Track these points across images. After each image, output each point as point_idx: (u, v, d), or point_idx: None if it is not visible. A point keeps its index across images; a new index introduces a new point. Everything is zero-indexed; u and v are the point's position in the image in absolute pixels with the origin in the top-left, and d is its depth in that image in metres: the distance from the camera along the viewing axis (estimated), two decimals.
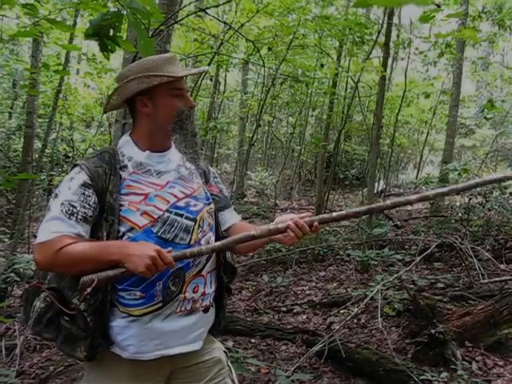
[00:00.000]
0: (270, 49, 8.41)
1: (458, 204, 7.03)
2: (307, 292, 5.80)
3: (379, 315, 4.04)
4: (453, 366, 3.73)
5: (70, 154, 12.88)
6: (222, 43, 6.34)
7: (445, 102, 12.34)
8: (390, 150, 11.85)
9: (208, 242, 1.92)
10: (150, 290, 1.78)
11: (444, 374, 3.65)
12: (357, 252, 5.64)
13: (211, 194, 2.03)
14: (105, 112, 2.04)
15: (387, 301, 4.74)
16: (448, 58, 11.46)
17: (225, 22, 6.09)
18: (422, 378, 3.55)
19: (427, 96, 12.24)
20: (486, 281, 5.16)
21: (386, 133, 13.98)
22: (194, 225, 1.88)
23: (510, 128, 10.28)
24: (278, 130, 16.59)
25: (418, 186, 9.08)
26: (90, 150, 12.49)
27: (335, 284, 5.96)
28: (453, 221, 7.05)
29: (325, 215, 1.88)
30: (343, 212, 1.87)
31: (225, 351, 2.13)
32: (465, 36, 6.92)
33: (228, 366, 2.10)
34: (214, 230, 2.00)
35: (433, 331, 3.92)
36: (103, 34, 2.23)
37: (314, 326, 4.74)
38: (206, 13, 4.35)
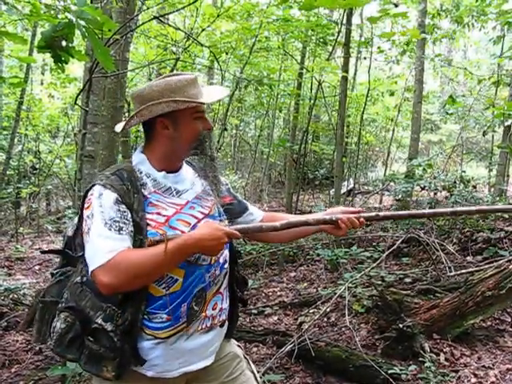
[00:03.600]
0: (226, 53, 8.40)
1: (423, 199, 7.14)
2: (278, 293, 5.83)
3: (346, 313, 4.08)
4: (421, 359, 3.80)
5: (38, 166, 12.71)
6: (184, 49, 6.33)
7: (409, 99, 12.49)
8: (357, 149, 11.96)
9: (225, 260, 1.96)
10: (176, 312, 1.80)
11: (412, 367, 3.72)
12: (326, 251, 5.69)
13: (226, 204, 2.04)
14: (123, 130, 1.98)
15: (356, 298, 4.80)
16: (410, 55, 11.64)
17: (179, 29, 6.09)
18: (390, 372, 3.60)
19: (392, 94, 12.40)
20: (452, 273, 5.25)
21: (352, 131, 14.14)
22: None
23: (471, 122, 10.49)
24: (245, 132, 16.63)
25: (384, 182, 9.20)
26: (57, 161, 12.37)
27: (306, 284, 6.01)
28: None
29: (371, 214, 2.04)
30: (388, 213, 2.09)
31: (238, 345, 2.19)
32: (411, 35, 7.02)
33: (245, 358, 2.16)
34: (228, 246, 2.01)
35: (401, 325, 3.99)
36: (56, 45, 2.21)
37: (285, 327, 4.77)
38: (161, 20, 4.34)
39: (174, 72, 1.96)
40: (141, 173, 1.86)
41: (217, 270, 1.91)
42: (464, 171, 7.20)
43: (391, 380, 3.52)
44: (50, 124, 13.58)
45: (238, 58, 9.79)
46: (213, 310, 1.90)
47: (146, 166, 1.88)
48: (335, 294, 4.55)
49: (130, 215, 1.75)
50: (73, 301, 1.79)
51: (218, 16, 7.50)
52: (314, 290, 5.69)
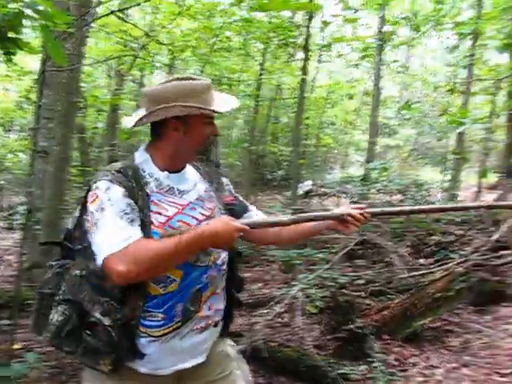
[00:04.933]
0: (182, 51, 8.36)
1: (378, 202, 7.25)
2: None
3: (298, 313, 4.12)
4: (371, 359, 3.85)
5: None
6: (142, 47, 6.26)
7: (368, 103, 12.70)
8: (315, 151, 12.08)
9: (223, 262, 1.96)
10: (171, 311, 1.81)
11: (362, 367, 3.78)
12: (280, 252, 5.70)
13: (227, 204, 2.04)
14: (134, 127, 1.93)
15: (310, 299, 4.83)
16: (368, 60, 11.81)
17: (135, 25, 6.04)
18: (341, 372, 3.65)
19: (351, 97, 12.57)
20: (405, 275, 5.36)
21: (311, 133, 14.24)
22: None
23: (426, 128, 10.72)
24: None
25: (340, 185, 9.28)
26: (11, 156, 12.07)
27: (260, 284, 6.02)
28: (375, 218, 7.24)
29: (376, 209, 2.15)
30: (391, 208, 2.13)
31: (231, 344, 2.21)
32: (361, 39, 7.15)
33: (237, 357, 2.18)
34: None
35: (352, 326, 4.04)
36: (3, 36, 2.16)
37: (239, 327, 4.76)
38: (117, 15, 4.29)
39: (189, 75, 1.95)
40: (144, 171, 1.86)
41: (214, 272, 1.92)
42: (418, 175, 7.35)
43: (341, 380, 3.57)
44: (3, 118, 13.25)
45: (199, 58, 9.76)
46: (208, 310, 1.91)
47: (150, 165, 1.88)
48: (288, 294, 4.57)
49: (137, 210, 1.75)
50: (71, 294, 1.80)
51: (179, 14, 7.46)
52: (268, 291, 5.70)
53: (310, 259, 5.96)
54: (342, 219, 1.99)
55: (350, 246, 5.51)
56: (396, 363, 3.96)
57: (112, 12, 3.57)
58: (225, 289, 2.03)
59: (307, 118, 13.59)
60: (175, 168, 1.91)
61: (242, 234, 1.81)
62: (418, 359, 4.05)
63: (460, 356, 4.14)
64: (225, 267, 1.99)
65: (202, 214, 1.91)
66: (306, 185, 12.87)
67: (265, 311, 4.77)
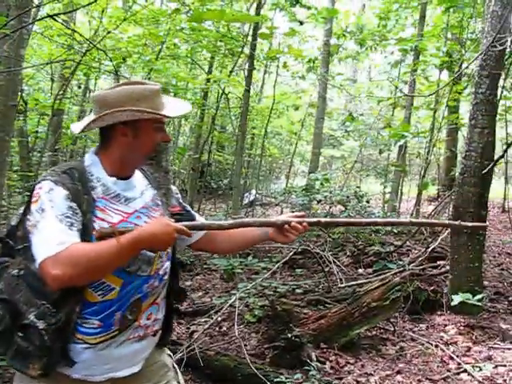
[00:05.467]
0: (124, 59, 8.27)
1: (320, 212, 7.36)
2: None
3: (235, 322, 4.12)
4: (307, 367, 3.89)
5: None
6: (83, 53, 6.15)
7: (313, 114, 12.87)
8: (260, 160, 12.15)
9: (165, 272, 1.94)
10: (109, 319, 1.77)
11: (298, 375, 3.81)
12: (222, 261, 5.71)
13: (174, 214, 1.99)
14: (81, 132, 1.89)
15: (249, 308, 4.85)
16: (315, 72, 11.99)
17: (74, 30, 5.94)
18: (277, 380, 3.66)
19: (296, 108, 12.71)
20: (343, 285, 5.45)
21: (257, 143, 14.32)
22: (155, 256, 1.86)
23: (368, 140, 10.99)
24: None
25: (283, 195, 9.39)
26: None
27: (201, 293, 6.00)
28: (316, 228, 7.34)
29: (313, 219, 2.18)
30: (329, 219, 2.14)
31: (169, 354, 2.15)
32: (295, 54, 7.27)
33: (174, 368, 2.12)
34: (170, 258, 1.99)
35: (289, 335, 4.07)
36: None
37: (177, 336, 4.73)
38: (54, 19, 4.21)
39: (140, 80, 1.95)
40: (92, 175, 1.81)
41: (156, 282, 1.89)
42: (358, 187, 7.50)
43: None
44: None
45: (145, 64, 9.67)
46: (147, 319, 1.89)
47: (98, 169, 1.84)
48: (228, 303, 4.58)
49: (80, 214, 1.71)
50: (6, 293, 1.74)
51: (125, 20, 7.38)
52: (209, 299, 5.69)
53: (251, 268, 6.00)
54: (280, 228, 2.00)
55: (289, 256, 5.57)
56: (332, 371, 4.01)
57: (51, 16, 3.49)
58: (165, 299, 2.01)
59: (254, 128, 13.68)
60: (123, 174, 1.88)
61: (182, 236, 1.82)
62: (354, 367, 4.12)
63: (394, 363, 4.23)
64: (166, 277, 1.98)
65: (147, 223, 1.87)
66: (251, 194, 12.95)
67: (203, 320, 4.75)
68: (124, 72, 11.59)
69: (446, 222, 2.14)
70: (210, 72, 10.69)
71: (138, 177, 1.96)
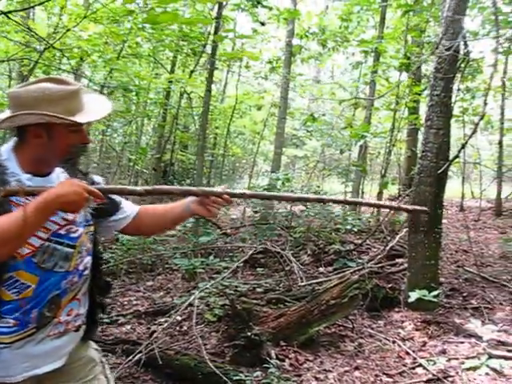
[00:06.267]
0: (81, 58, 8.18)
1: (281, 211, 7.43)
2: (134, 302, 5.76)
3: (194, 321, 4.14)
4: (267, 365, 3.93)
5: None
6: (41, 52, 6.04)
7: (276, 114, 12.93)
8: (222, 160, 12.17)
9: (86, 267, 1.91)
10: (25, 317, 1.73)
11: (257, 373, 3.84)
12: (184, 261, 5.72)
13: (99, 205, 1.91)
14: None
15: (209, 307, 4.87)
16: (277, 72, 12.07)
17: (29, 28, 5.85)
18: (236, 378, 3.70)
19: (259, 108, 12.76)
20: (303, 283, 5.51)
21: (220, 143, 14.33)
22: (74, 251, 1.83)
23: (329, 140, 11.12)
24: (112, 139, 16.26)
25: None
26: None
27: (162, 293, 5.99)
28: (278, 228, 7.41)
29: (237, 191, 2.06)
30: (254, 192, 2.08)
31: (96, 349, 2.12)
32: (248, 56, 7.31)
33: (101, 362, 2.09)
34: (91, 253, 1.96)
35: (249, 334, 4.10)
36: None
37: (138, 336, 4.72)
38: (8, 16, 4.15)
39: (58, 77, 1.85)
40: (7, 169, 1.76)
41: (75, 277, 1.86)
42: (319, 186, 7.60)
43: None
44: None
45: (107, 63, 9.59)
46: (67, 315, 1.86)
47: (13, 164, 1.79)
48: (188, 303, 4.59)
49: None
50: None
51: (85, 17, 7.29)
52: (170, 299, 5.69)
53: (213, 268, 6.03)
54: (202, 202, 1.97)
55: (249, 255, 5.61)
56: (291, 368, 4.06)
57: (4, 13, 3.45)
58: (87, 294, 1.99)
59: (217, 128, 13.69)
60: (40, 172, 1.83)
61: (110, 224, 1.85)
62: (313, 364, 4.18)
63: (353, 359, 4.31)
64: (87, 272, 1.95)
65: (64, 219, 1.83)
66: None
67: (163, 320, 4.76)
68: (85, 70, 11.48)
69: (386, 203, 2.16)
70: (172, 71, 10.67)
71: (58, 174, 1.91)
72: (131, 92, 9.16)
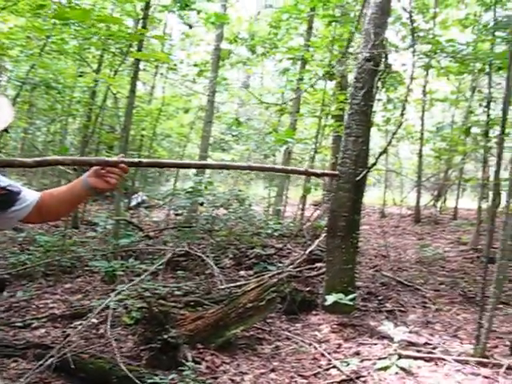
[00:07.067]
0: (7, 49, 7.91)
1: (204, 215, 7.44)
2: (50, 305, 5.62)
3: (109, 324, 4.09)
4: (182, 368, 3.93)
5: None
6: None
7: (203, 117, 12.93)
8: None
9: None
10: None
11: (173, 376, 3.84)
12: (102, 263, 5.64)
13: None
14: None
15: (127, 310, 4.82)
16: (206, 76, 12.07)
17: None
18: (151, 381, 3.68)
19: (186, 111, 12.72)
20: (223, 287, 5.55)
21: (146, 145, 14.15)
22: None
23: (253, 145, 11.25)
24: (36, 137, 15.78)
25: (167, 197, 9.37)
26: None
27: (80, 296, 5.87)
28: (201, 231, 7.42)
29: (134, 160, 1.94)
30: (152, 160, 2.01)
31: None
32: (159, 57, 7.31)
33: None
34: None
35: (166, 336, 4.09)
36: None
37: (52, 340, 4.61)
38: None
39: None
40: None
41: None
42: (241, 190, 7.67)
43: None
44: None
45: (30, 58, 9.29)
46: None
47: None
48: (106, 305, 4.53)
49: None
50: None
51: (4, 9, 7.03)
52: (88, 302, 5.58)
53: (134, 270, 5.97)
54: (99, 174, 1.91)
55: (167, 257, 5.59)
56: (207, 371, 4.08)
57: None
58: None
59: (143, 129, 13.54)
60: None
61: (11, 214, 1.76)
62: (229, 366, 4.21)
63: (269, 362, 4.38)
64: None
65: None
66: (140, 196, 12.83)
67: (78, 323, 4.66)
68: (6, 64, 11.10)
69: (296, 168, 2.16)
70: (98, 70, 10.45)
71: None
72: (54, 89, 8.92)
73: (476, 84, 13.04)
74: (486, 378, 4.10)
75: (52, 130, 14.46)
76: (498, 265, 4.39)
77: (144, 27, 6.75)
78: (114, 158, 1.90)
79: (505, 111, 4.67)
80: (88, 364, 3.92)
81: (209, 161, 10.88)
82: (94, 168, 1.92)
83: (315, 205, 14.67)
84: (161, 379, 3.74)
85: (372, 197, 17.88)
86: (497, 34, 9.44)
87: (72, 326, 4.86)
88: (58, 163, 1.96)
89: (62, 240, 6.91)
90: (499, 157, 4.62)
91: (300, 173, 2.77)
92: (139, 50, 6.66)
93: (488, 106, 10.15)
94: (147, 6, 6.93)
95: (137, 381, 3.60)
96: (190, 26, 7.78)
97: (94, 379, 3.89)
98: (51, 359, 3.84)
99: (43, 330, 4.88)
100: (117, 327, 4.73)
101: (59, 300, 5.79)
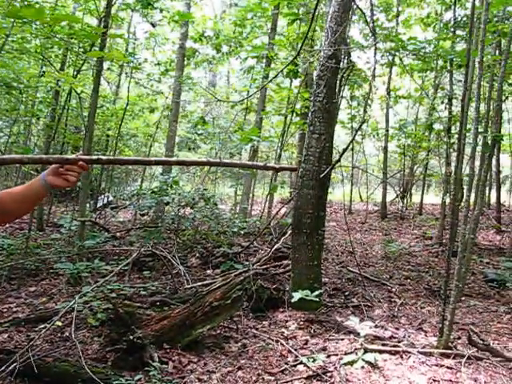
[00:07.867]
0: None
1: (169, 215, 7.41)
2: (14, 309, 5.53)
3: (73, 326, 4.05)
4: (148, 368, 3.92)
5: None
6: None
7: (169, 116, 12.87)
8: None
9: None
10: None
11: (139, 377, 3.83)
12: (68, 265, 5.57)
13: None
14: None
15: (92, 312, 4.78)
16: (170, 75, 12.02)
17: None
18: (117, 383, 3.66)
19: (152, 111, 12.65)
20: (189, 286, 5.53)
21: (112, 145, 14.04)
22: None
23: (217, 143, 11.26)
24: None
25: (133, 197, 9.32)
26: None
27: (45, 299, 5.79)
28: (168, 231, 7.40)
29: (93, 157, 2.01)
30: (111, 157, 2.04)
31: None
32: (116, 56, 7.26)
33: None
34: None
35: (131, 337, 4.07)
36: None
37: (15, 344, 4.54)
38: None
39: None
40: None
41: None
42: (206, 189, 7.67)
43: None
44: None
45: None
46: None
47: None
48: (71, 308, 4.48)
49: None
50: None
51: None
52: (53, 305, 5.51)
53: (99, 271, 5.91)
54: (57, 172, 1.91)
55: (133, 258, 5.56)
56: (174, 371, 4.07)
57: None
58: None
59: (108, 129, 13.41)
60: None
61: None
62: (196, 365, 4.21)
63: (236, 360, 4.38)
64: None
65: None
66: (106, 196, 12.71)
67: (43, 326, 4.60)
68: None
69: (255, 163, 2.20)
70: (62, 70, 10.32)
71: None
72: (16, 89, 8.76)
73: (439, 81, 13.29)
74: (449, 368, 4.19)
75: (15, 130, 14.20)
76: (459, 258, 4.48)
77: (106, 26, 6.67)
78: (73, 156, 1.91)
79: (463, 107, 4.76)
80: (52, 368, 3.86)
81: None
82: (53, 166, 1.92)
83: (282, 202, 14.78)
84: (127, 380, 3.72)
85: (339, 194, 18.05)
86: (457, 32, 9.64)
87: (36, 329, 4.79)
88: (16, 162, 1.96)
89: (26, 243, 6.80)
90: (460, 152, 4.71)
91: (259, 167, 2.79)
92: (101, 49, 6.59)
93: (450, 103, 10.34)
94: (109, 4, 6.86)
95: (102, 383, 3.57)
96: (154, 25, 7.73)
97: (58, 383, 3.84)
98: (13, 364, 3.77)
99: (6, 335, 4.79)
100: (82, 329, 4.69)
101: (23, 304, 5.70)
